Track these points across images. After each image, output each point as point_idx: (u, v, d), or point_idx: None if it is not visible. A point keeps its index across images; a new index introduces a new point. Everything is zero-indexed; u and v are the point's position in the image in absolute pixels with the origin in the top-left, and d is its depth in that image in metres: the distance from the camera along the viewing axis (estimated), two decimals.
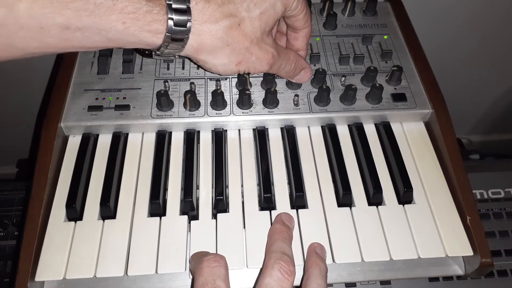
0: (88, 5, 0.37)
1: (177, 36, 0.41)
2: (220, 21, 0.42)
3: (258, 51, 0.46)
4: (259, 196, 0.47)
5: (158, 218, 0.45)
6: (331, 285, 0.52)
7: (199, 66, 0.55)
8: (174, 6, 0.40)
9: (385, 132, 0.52)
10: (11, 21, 0.36)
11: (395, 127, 0.53)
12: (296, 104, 0.52)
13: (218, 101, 0.50)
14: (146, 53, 0.52)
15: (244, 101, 0.51)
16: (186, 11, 0.41)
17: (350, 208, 0.46)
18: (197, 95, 0.51)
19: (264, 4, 0.44)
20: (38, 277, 0.41)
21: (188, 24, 0.41)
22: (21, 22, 0.36)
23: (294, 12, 0.48)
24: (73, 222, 0.44)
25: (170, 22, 0.40)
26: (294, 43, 0.53)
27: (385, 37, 0.59)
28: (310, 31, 0.52)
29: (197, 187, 0.48)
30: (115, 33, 0.39)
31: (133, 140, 0.51)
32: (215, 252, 0.42)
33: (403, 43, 0.59)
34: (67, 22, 0.37)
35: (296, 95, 0.51)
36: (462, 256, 0.46)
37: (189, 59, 0.47)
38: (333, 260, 0.42)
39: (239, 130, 0.52)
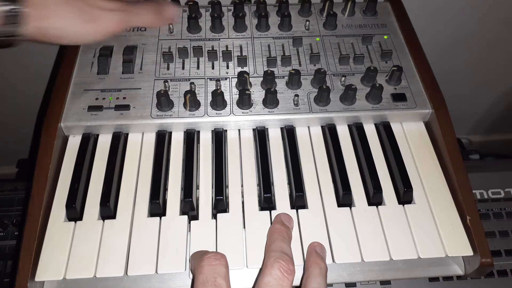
0: None
1: None
2: None
3: (103, 2, 0.46)
4: (259, 196, 0.47)
5: (158, 218, 0.45)
6: (331, 285, 0.52)
7: (199, 66, 0.55)
8: None
9: (385, 132, 0.52)
10: None
11: (395, 127, 0.53)
12: (296, 104, 0.52)
13: (218, 101, 0.50)
14: None
15: (244, 101, 0.51)
16: None
17: (350, 208, 0.46)
18: (197, 95, 0.51)
19: None
20: (38, 277, 0.41)
21: None
22: None
23: None
24: (73, 222, 0.44)
25: None
26: None
27: (385, 37, 0.59)
28: None
29: (197, 187, 0.48)
30: None
31: (133, 140, 0.51)
32: None
33: (403, 43, 0.59)
34: None
35: (296, 95, 0.51)
36: (462, 256, 0.46)
37: (37, 41, 0.46)
38: (333, 260, 0.42)
39: (239, 130, 0.52)
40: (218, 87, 0.53)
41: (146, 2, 0.51)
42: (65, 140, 0.51)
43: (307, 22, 0.60)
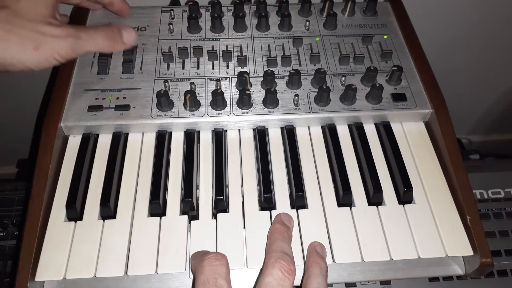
0: None
1: None
2: None
3: (50, 29, 0.44)
4: (259, 196, 0.47)
5: (158, 218, 0.45)
6: (331, 285, 0.52)
7: (199, 66, 0.55)
8: None
9: (385, 132, 0.52)
10: None
11: (395, 127, 0.53)
12: (296, 104, 0.52)
13: (218, 101, 0.50)
14: None
15: (244, 101, 0.51)
16: None
17: (350, 208, 0.46)
18: (197, 95, 0.51)
19: None
20: (38, 277, 0.41)
21: None
22: None
23: None
24: (73, 222, 0.44)
25: None
26: None
27: (385, 37, 0.59)
28: None
29: (197, 187, 0.48)
30: None
31: (133, 140, 0.51)
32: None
33: (403, 43, 0.59)
34: None
35: (296, 95, 0.51)
36: (462, 256, 0.46)
37: None
38: (333, 260, 0.42)
39: (239, 130, 0.52)
40: (218, 87, 0.53)
41: (101, 26, 0.50)
42: (65, 140, 0.51)
43: (307, 22, 0.60)
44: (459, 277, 0.54)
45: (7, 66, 0.44)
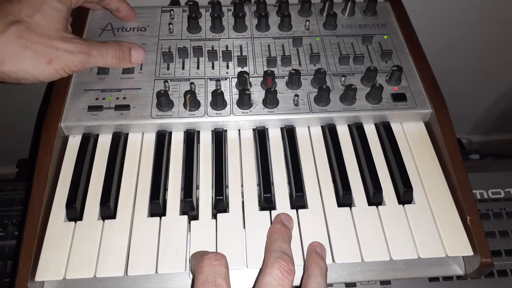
0: None
1: None
2: (6, 31, 0.44)
3: (63, 44, 0.46)
4: (259, 196, 0.47)
5: (158, 218, 0.45)
6: (331, 285, 0.52)
7: (199, 66, 0.55)
8: None
9: (385, 132, 0.52)
10: None
11: (395, 127, 0.53)
12: (296, 104, 0.52)
13: (218, 101, 0.50)
14: None
15: (244, 101, 0.51)
16: None
17: (350, 208, 0.46)
18: (197, 95, 0.51)
19: (42, 7, 0.46)
20: (38, 277, 0.41)
21: None
22: None
23: None
24: (73, 222, 0.44)
25: None
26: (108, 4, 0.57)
27: (385, 37, 0.59)
28: None
29: (197, 187, 0.48)
30: None
31: (133, 140, 0.51)
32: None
33: (403, 43, 0.59)
34: None
35: (296, 95, 0.51)
36: (462, 256, 0.46)
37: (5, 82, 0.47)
38: (333, 260, 0.42)
39: (239, 130, 0.52)
40: (218, 87, 0.53)
41: (112, 43, 0.52)
42: (65, 140, 0.51)
43: (307, 22, 0.60)
44: (459, 277, 0.54)
45: (20, 80, 0.46)
